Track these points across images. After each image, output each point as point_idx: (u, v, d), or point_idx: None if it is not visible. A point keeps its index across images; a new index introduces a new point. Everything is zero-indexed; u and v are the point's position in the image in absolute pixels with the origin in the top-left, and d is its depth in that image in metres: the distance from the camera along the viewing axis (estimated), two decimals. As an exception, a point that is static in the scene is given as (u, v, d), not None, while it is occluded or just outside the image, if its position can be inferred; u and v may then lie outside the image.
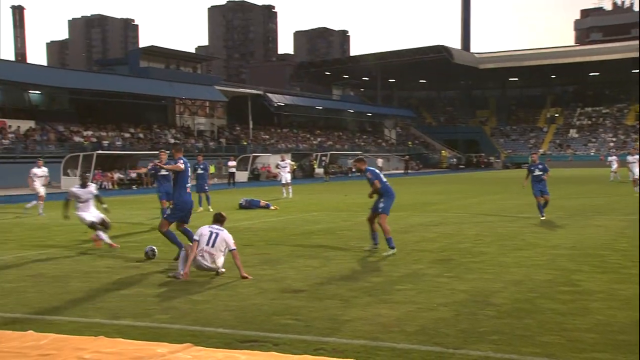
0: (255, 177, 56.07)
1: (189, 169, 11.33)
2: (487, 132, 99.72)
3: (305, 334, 6.71)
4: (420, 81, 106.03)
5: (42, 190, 23.01)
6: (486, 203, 24.79)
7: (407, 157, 76.20)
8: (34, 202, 23.05)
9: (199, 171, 21.95)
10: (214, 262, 9.94)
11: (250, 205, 23.66)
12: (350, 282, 9.39)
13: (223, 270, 10.04)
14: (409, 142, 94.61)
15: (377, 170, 12.74)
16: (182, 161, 11.18)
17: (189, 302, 8.24)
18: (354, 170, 14.35)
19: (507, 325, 6.87)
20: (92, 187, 13.89)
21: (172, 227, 11.31)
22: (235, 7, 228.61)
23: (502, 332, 6.59)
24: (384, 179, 12.54)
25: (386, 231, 12.11)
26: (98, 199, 13.98)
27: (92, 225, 13.32)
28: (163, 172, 16.98)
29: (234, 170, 42.81)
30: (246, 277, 9.68)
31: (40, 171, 23.33)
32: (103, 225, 13.42)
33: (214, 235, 9.99)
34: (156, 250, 12.02)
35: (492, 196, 28.73)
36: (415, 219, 18.83)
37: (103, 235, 13.38)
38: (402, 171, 68.40)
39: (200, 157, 23.07)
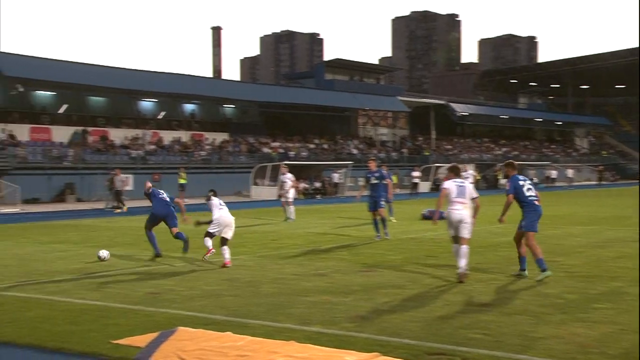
0: (437, 187, 55.45)
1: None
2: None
3: (495, 349, 6.48)
4: (617, 86, 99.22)
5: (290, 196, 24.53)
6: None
7: (601, 167, 71.55)
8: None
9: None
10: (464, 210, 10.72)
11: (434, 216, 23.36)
12: (540, 298, 8.95)
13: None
14: (603, 152, 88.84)
15: (522, 181, 10.87)
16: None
17: (375, 312, 8.28)
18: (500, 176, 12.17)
19: None
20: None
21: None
22: (418, 17, 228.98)
23: None
24: (528, 192, 10.72)
25: (535, 252, 10.42)
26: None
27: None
28: (373, 181, 17.27)
29: (417, 180, 42.65)
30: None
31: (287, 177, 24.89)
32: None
33: (461, 187, 10.94)
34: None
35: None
36: (610, 233, 17.60)
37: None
38: (595, 182, 64.47)
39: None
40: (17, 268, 12.56)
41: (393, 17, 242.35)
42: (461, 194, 10.96)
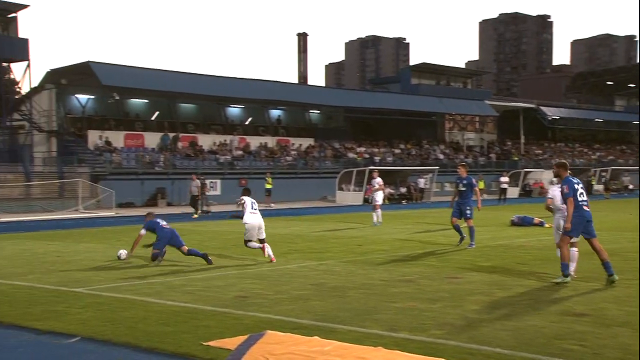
0: (526, 193, 54.10)
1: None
2: None
3: (592, 362, 6.22)
4: None
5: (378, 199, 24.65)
6: None
7: None
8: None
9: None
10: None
11: (523, 222, 22.83)
12: (641, 310, 8.53)
13: None
14: None
15: (576, 184, 10.65)
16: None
17: (464, 319, 8.12)
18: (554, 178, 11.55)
19: None
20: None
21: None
22: (507, 19, 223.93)
23: None
24: (581, 196, 10.58)
25: (562, 255, 10.58)
26: None
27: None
28: (461, 188, 16.94)
29: (506, 186, 41.73)
30: None
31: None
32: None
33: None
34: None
35: None
36: None
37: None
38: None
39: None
40: (113, 270, 13.05)
41: (480, 20, 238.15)
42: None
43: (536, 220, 22.72)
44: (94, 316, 8.54)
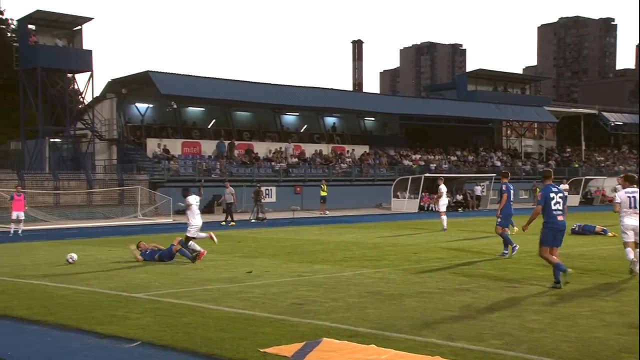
0: (587, 201, 52.81)
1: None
2: None
3: (659, 377, 6.00)
4: None
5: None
6: None
7: None
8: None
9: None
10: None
11: (584, 230, 22.27)
12: None
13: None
14: None
15: (554, 194, 11.28)
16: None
17: (523, 329, 7.95)
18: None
19: None
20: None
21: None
22: (568, 23, 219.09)
23: None
24: (555, 205, 11.23)
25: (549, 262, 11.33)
26: None
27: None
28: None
29: (565, 193, 40.84)
30: None
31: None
32: None
33: (632, 198, 11.85)
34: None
35: None
36: None
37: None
38: None
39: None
40: (171, 276, 13.25)
41: (539, 25, 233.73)
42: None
43: (598, 228, 22.14)
44: (153, 321, 8.68)
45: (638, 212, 11.73)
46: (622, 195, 12.03)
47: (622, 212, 12.00)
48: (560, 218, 11.16)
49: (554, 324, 8.26)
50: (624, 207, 11.94)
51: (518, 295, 10.40)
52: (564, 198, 11.38)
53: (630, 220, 11.84)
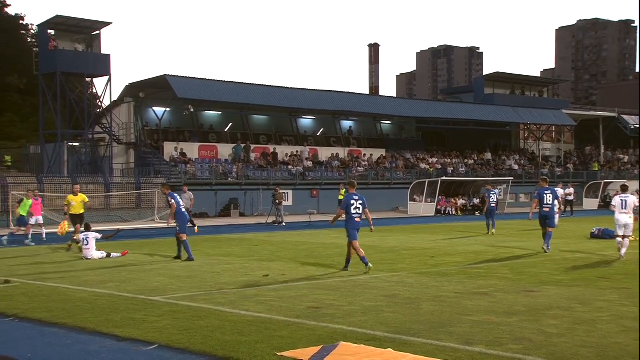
0: (606, 205, 52.27)
1: None
2: None
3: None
4: None
5: None
6: None
7: None
8: None
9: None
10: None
11: (604, 235, 22.09)
12: None
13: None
14: None
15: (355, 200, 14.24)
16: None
17: (542, 334, 7.89)
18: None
19: None
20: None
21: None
22: (586, 25, 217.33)
23: None
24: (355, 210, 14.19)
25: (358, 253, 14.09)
26: None
27: None
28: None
29: (571, 197, 40.64)
30: None
31: None
32: None
33: (624, 202, 16.05)
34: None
35: None
36: None
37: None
38: None
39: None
40: (188, 279, 13.30)
41: (557, 27, 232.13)
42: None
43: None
44: (171, 324, 8.72)
45: (628, 211, 16.13)
46: (616, 199, 16.52)
47: (616, 212, 16.29)
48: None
49: (573, 329, 8.20)
50: (618, 208, 16.23)
51: (536, 300, 10.33)
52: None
53: (621, 217, 16.19)
